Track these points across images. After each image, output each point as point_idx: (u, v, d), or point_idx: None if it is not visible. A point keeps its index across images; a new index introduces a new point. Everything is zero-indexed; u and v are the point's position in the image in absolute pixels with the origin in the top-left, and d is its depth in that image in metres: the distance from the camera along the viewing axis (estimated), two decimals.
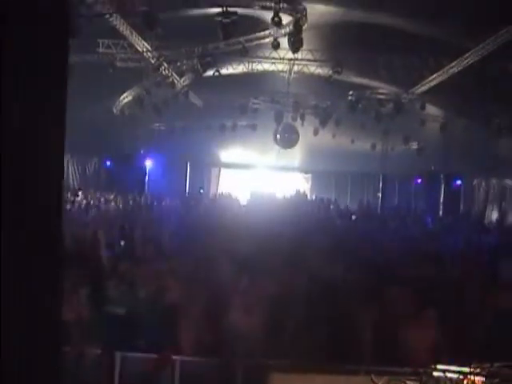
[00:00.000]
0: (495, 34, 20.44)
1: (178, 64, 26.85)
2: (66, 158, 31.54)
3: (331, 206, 31.96)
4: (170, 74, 27.17)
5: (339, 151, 34.00)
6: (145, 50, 24.68)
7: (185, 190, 37.08)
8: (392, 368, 3.78)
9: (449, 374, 3.42)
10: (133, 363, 7.21)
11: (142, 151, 34.93)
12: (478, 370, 3.43)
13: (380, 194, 37.32)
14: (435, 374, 3.47)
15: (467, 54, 22.67)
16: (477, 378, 3.37)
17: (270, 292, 8.30)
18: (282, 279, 8.92)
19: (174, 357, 7.20)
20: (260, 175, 37.91)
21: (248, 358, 7.15)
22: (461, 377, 3.38)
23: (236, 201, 32.05)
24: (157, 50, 24.90)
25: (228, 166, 39.08)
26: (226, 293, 8.52)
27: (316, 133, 34.21)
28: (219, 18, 19.17)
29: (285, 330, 7.45)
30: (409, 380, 3.42)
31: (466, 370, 3.42)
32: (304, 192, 37.24)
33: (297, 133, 33.11)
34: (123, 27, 22.33)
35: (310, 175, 39.98)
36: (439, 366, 3.50)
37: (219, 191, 37.60)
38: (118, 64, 25.22)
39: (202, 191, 36.98)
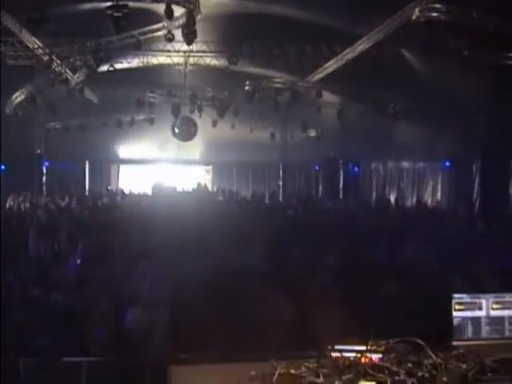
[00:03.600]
0: (387, 20, 20.88)
1: (71, 60, 26.28)
2: None
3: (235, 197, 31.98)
4: (63, 71, 26.57)
5: (239, 142, 34.02)
6: (36, 46, 24.03)
7: (84, 189, 36.38)
8: (291, 352, 3.81)
9: (346, 354, 3.46)
10: (37, 367, 6.99)
11: (38, 151, 34.06)
12: (375, 348, 3.48)
13: (281, 183, 37.66)
14: (333, 354, 3.50)
15: (360, 41, 23.08)
16: (374, 356, 3.42)
17: (172, 284, 8.24)
18: (184, 269, 8.89)
19: (80, 358, 7.03)
20: (160, 170, 37.58)
21: (152, 353, 7.10)
22: (358, 355, 3.42)
23: (135, 196, 31.62)
24: (48, 46, 24.29)
25: (127, 162, 38.56)
26: (129, 288, 8.43)
27: (215, 124, 34.18)
28: (110, 12, 18.91)
29: (188, 322, 7.42)
30: (307, 362, 3.44)
31: (363, 348, 3.46)
32: (205, 184, 37.11)
33: (195, 125, 33.04)
34: (12, 24, 21.69)
35: (210, 167, 39.96)
36: (336, 347, 3.53)
37: (119, 188, 36.95)
38: (9, 62, 24.49)
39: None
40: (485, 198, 23.53)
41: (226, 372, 3.43)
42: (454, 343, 4.16)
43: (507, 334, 4.43)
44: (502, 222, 18.86)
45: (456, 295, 4.44)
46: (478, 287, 7.61)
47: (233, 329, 6.91)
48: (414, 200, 29.59)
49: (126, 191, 34.08)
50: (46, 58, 24.73)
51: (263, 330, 7.09)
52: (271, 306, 7.47)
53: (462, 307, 4.37)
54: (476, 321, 4.40)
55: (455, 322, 4.35)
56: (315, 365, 3.40)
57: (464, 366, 3.44)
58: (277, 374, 3.27)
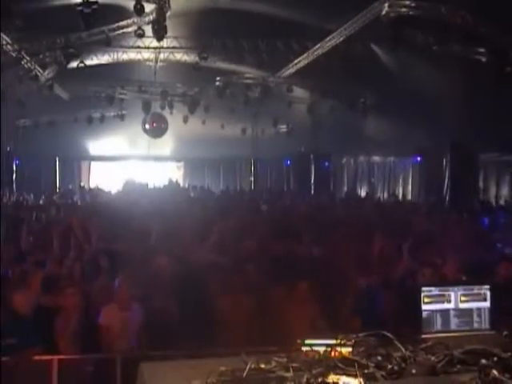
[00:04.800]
0: (357, 15, 20.92)
1: (41, 56, 26.00)
2: None
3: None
4: (32, 67, 26.29)
5: (210, 137, 33.93)
6: (4, 42, 23.74)
7: (55, 186, 36.04)
8: (263, 347, 3.82)
9: (316, 348, 3.47)
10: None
11: (8, 149, 33.63)
12: (344, 341, 3.50)
13: (252, 178, 37.68)
14: (303, 348, 3.52)
15: (330, 36, 23.07)
16: (344, 349, 3.44)
17: (142, 283, 8.24)
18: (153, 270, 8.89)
19: (51, 356, 6.99)
20: (132, 166, 37.36)
21: (123, 350, 7.10)
22: (328, 349, 3.43)
23: (106, 193, 31.25)
24: (17, 42, 24.00)
25: (98, 158, 38.24)
26: (98, 289, 8.40)
27: (185, 120, 34.07)
28: (80, 8, 18.77)
29: (158, 321, 7.46)
30: (278, 357, 3.45)
31: (333, 342, 3.48)
32: (177, 180, 36.95)
33: (166, 121, 33.01)
34: None
35: (181, 163, 39.81)
36: (307, 341, 3.55)
37: (90, 185, 36.59)
38: None
39: (70, 187, 35.74)
40: (455, 191, 23.69)
41: (197, 367, 3.43)
42: (424, 336, 4.21)
43: (475, 325, 4.49)
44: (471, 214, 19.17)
45: (425, 288, 4.49)
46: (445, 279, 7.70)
47: (199, 323, 6.94)
48: (385, 194, 29.80)
49: (97, 188, 33.74)
50: (14, 54, 24.44)
51: (229, 323, 7.12)
52: (236, 300, 7.51)
53: (430, 300, 4.43)
54: (445, 313, 4.45)
55: (424, 314, 4.41)
56: (285, 359, 3.41)
57: (433, 358, 3.47)
58: (247, 369, 3.27)
